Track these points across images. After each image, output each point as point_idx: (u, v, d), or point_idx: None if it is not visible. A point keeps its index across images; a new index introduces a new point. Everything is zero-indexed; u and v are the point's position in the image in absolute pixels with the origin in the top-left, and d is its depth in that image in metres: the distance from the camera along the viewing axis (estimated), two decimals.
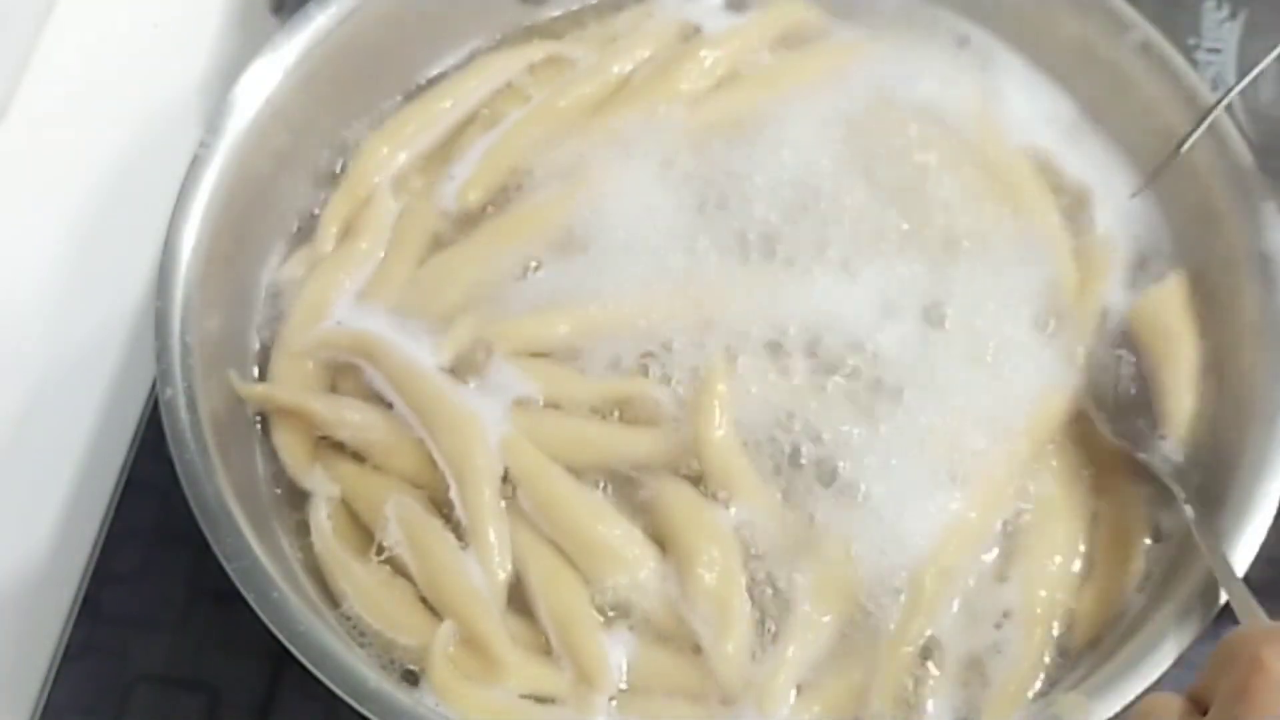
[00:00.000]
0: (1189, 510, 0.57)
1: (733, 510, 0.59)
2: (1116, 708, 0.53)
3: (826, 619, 0.58)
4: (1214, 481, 0.59)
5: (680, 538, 0.59)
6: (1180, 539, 0.60)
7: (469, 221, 0.68)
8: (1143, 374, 0.63)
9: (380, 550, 0.59)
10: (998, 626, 0.58)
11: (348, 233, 0.68)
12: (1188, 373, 0.63)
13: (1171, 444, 0.62)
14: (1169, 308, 0.64)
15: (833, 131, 0.68)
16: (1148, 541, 0.60)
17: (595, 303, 0.64)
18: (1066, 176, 0.69)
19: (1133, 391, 0.63)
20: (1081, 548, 0.60)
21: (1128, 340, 0.64)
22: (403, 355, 0.63)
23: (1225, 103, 0.63)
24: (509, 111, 0.71)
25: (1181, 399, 0.62)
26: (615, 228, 0.66)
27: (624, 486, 0.61)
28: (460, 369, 0.63)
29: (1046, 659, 0.58)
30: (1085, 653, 0.58)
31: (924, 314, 0.64)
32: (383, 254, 0.67)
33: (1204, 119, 0.64)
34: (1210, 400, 0.62)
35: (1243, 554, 0.56)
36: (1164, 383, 0.63)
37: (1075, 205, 0.68)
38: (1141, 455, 0.61)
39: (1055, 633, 0.59)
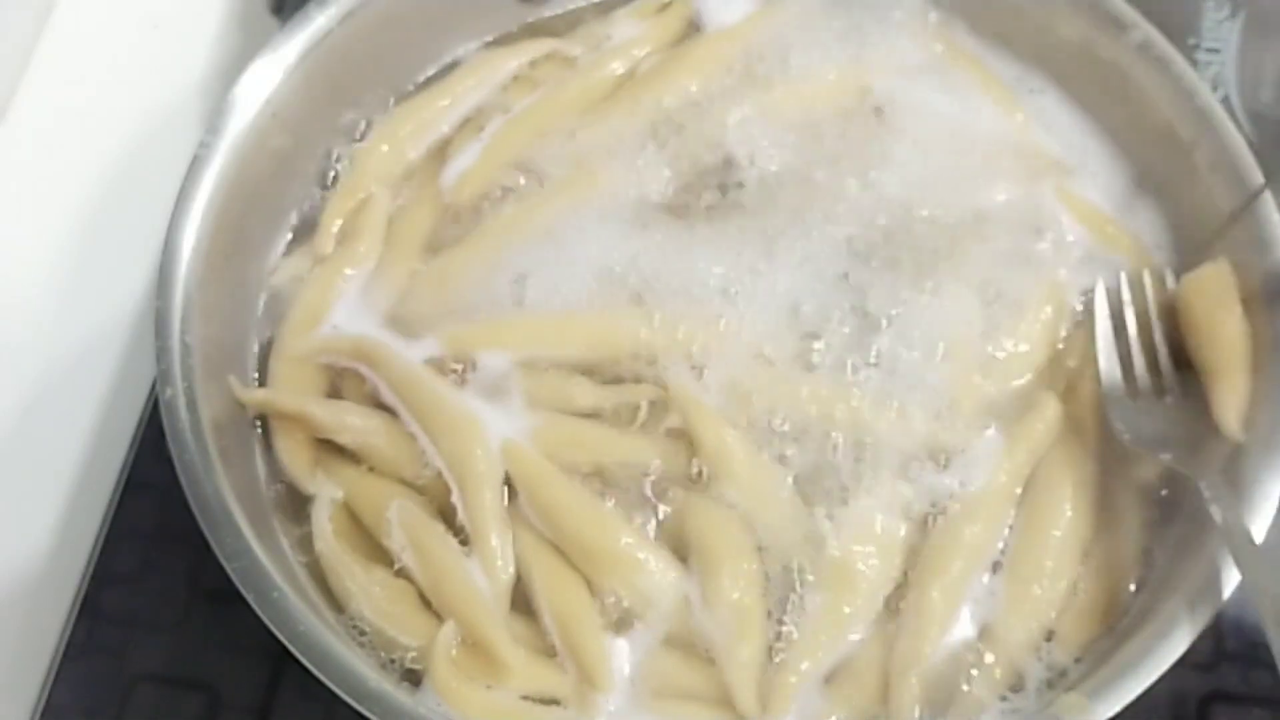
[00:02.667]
0: (1229, 538, 0.55)
1: (740, 500, 0.59)
2: (1116, 708, 0.53)
3: (837, 624, 0.57)
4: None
5: (700, 545, 0.59)
6: (1180, 537, 0.60)
7: (467, 218, 0.68)
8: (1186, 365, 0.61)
9: (391, 563, 0.60)
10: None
11: (346, 234, 0.68)
12: (1241, 353, 0.60)
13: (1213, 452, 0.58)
14: (1220, 285, 0.61)
15: (837, 133, 0.69)
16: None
17: (588, 310, 0.64)
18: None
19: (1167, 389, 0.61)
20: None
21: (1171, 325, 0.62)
22: (402, 360, 0.63)
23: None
24: (508, 108, 0.71)
25: (1235, 382, 0.59)
26: (614, 231, 0.66)
27: (640, 493, 0.61)
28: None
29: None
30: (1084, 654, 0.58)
31: None
32: (381, 255, 0.67)
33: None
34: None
35: None
36: (1216, 368, 0.60)
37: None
38: (1165, 456, 0.58)
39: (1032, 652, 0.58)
